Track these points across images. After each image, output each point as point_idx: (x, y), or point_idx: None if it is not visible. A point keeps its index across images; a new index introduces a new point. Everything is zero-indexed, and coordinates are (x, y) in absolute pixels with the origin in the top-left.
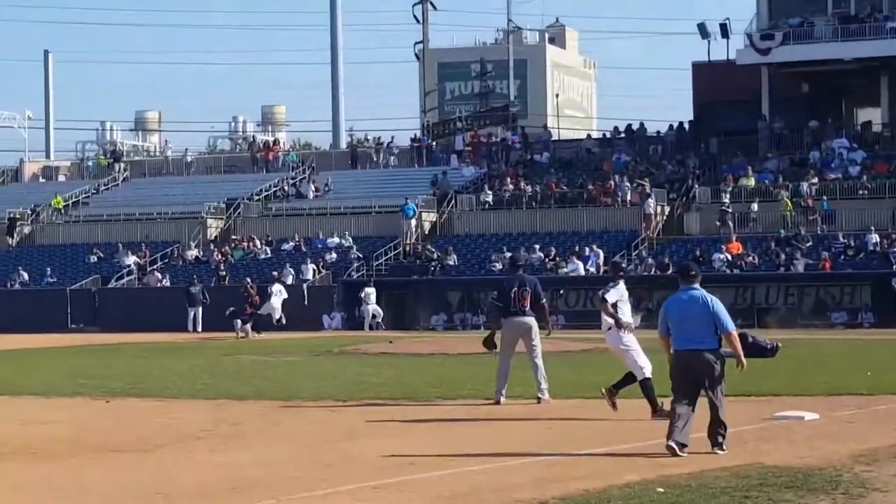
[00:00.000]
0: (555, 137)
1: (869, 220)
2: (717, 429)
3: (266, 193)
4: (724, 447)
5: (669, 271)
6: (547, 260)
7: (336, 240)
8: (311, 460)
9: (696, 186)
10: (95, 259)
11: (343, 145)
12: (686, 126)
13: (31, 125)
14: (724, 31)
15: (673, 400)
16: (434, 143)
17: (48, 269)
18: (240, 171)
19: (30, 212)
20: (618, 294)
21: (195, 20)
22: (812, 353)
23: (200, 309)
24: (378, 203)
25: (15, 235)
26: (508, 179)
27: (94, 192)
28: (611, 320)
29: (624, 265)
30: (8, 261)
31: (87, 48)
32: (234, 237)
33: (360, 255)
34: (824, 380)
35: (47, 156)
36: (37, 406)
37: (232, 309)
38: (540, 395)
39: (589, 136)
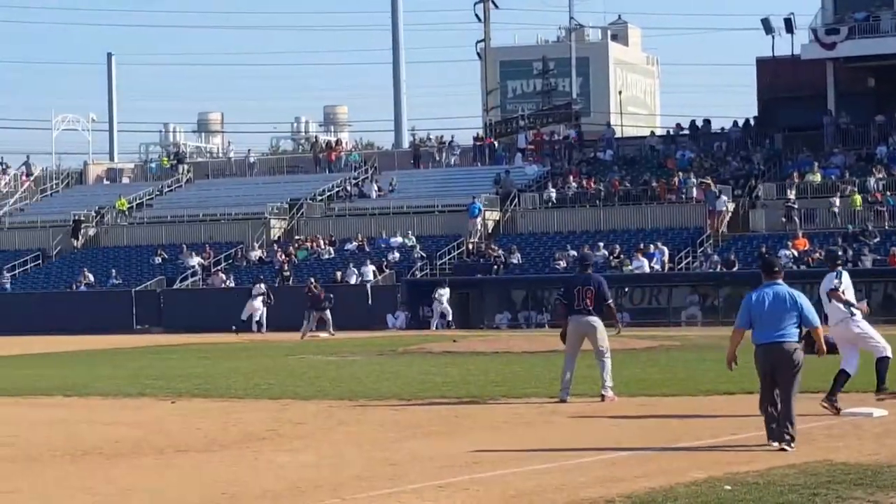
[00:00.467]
0: (618, 135)
1: None
2: (784, 425)
3: (329, 193)
4: (793, 444)
5: (735, 268)
6: (611, 257)
7: (399, 239)
8: (376, 460)
9: (762, 183)
10: (160, 260)
11: (405, 145)
12: (751, 122)
13: (94, 128)
14: (789, 25)
15: (760, 399)
16: (497, 142)
17: (113, 270)
18: (302, 172)
19: (94, 214)
20: (844, 282)
21: (257, 21)
22: None
23: (265, 309)
24: (441, 202)
25: (80, 237)
26: (571, 177)
27: (157, 193)
28: (844, 310)
29: (840, 253)
30: (73, 263)
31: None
32: (297, 237)
33: (424, 255)
34: (892, 376)
35: (111, 158)
36: (104, 407)
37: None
38: (604, 393)
39: (652, 133)
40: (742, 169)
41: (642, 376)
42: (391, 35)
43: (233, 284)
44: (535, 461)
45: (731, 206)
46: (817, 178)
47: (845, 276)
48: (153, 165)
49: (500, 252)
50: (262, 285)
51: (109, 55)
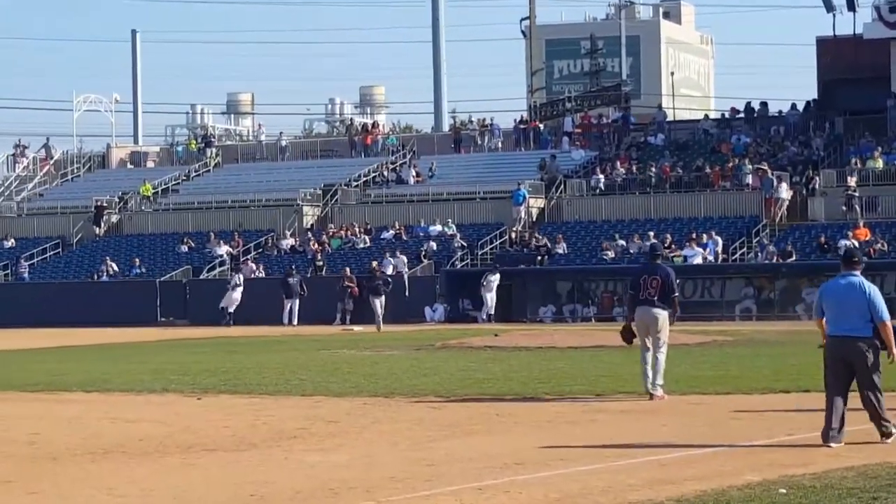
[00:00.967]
0: (670, 118)
1: None
2: (879, 421)
3: (365, 179)
4: (889, 439)
5: (792, 259)
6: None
7: (438, 227)
8: (411, 460)
9: (821, 169)
10: (186, 249)
11: (445, 128)
12: (810, 105)
13: (118, 109)
14: (851, 3)
15: (826, 392)
16: (542, 125)
17: (137, 259)
18: (337, 156)
19: (117, 199)
20: None
21: None
22: None
23: (298, 301)
24: (483, 189)
25: (102, 224)
26: (620, 163)
27: (184, 178)
28: None
29: None
30: (95, 251)
31: (177, 27)
32: (331, 225)
33: (464, 244)
34: None
35: (135, 141)
36: (127, 403)
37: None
38: (653, 392)
39: (706, 116)
40: (801, 154)
41: (694, 373)
42: (430, 12)
43: (263, 275)
44: (580, 462)
45: (789, 194)
46: (879, 164)
47: None
48: (179, 149)
49: (545, 241)
50: (241, 276)
51: (134, 32)
